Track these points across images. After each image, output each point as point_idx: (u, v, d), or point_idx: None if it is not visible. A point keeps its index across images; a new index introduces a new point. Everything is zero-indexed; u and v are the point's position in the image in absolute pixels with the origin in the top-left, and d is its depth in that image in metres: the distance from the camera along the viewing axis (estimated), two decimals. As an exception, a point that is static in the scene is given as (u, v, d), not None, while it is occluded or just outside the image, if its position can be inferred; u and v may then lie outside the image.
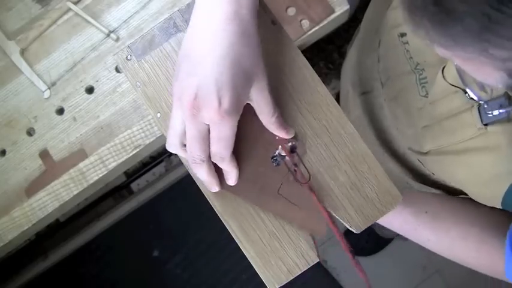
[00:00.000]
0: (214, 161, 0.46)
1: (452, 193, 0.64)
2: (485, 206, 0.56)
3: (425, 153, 0.61)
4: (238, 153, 0.50)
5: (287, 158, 0.48)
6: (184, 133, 0.45)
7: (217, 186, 0.49)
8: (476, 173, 0.53)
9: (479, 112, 0.48)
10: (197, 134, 0.43)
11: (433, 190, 0.67)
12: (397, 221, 0.57)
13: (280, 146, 0.45)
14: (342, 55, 1.29)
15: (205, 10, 0.43)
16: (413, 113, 0.62)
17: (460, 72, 0.49)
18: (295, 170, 0.48)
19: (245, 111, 0.45)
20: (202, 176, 0.47)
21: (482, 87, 0.46)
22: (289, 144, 0.48)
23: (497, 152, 0.49)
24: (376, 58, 0.71)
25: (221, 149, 0.44)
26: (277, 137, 0.42)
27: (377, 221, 0.55)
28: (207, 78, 0.41)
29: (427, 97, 0.58)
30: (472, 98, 0.49)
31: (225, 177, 0.49)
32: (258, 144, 0.50)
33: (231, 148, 0.45)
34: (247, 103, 0.46)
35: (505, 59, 0.26)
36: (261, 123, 0.48)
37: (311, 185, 0.49)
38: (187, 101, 0.42)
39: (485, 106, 0.46)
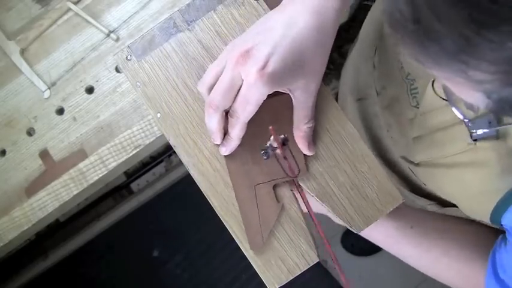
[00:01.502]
0: (229, 120, 0.47)
1: (444, 204, 0.63)
2: (471, 222, 0.56)
3: (417, 164, 0.61)
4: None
5: (278, 150, 0.48)
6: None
7: (220, 140, 0.49)
8: (466, 188, 0.52)
9: (469, 128, 0.48)
10: (228, 82, 0.44)
11: (423, 200, 0.67)
12: (380, 234, 0.57)
13: (272, 137, 0.45)
14: (342, 55, 1.29)
15: None
16: (405, 123, 0.62)
17: (446, 89, 0.48)
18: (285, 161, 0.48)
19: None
20: (212, 124, 0.48)
21: (470, 105, 0.46)
22: (282, 136, 0.48)
23: (486, 168, 0.49)
24: (372, 66, 0.71)
25: (242, 109, 0.45)
26: (270, 127, 0.42)
27: (362, 235, 0.56)
28: (268, 41, 0.43)
29: (418, 107, 0.58)
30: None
31: (220, 145, 0.49)
32: (254, 135, 0.50)
33: (250, 114, 0.45)
34: (287, 94, 0.47)
35: (482, 80, 0.26)
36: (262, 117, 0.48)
37: (298, 182, 0.49)
38: (240, 50, 0.43)
39: (470, 125, 0.46)
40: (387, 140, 0.70)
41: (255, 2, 0.55)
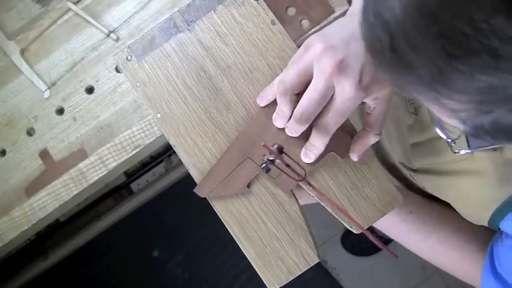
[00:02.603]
0: (316, 131, 0.46)
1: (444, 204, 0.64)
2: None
3: (415, 170, 0.61)
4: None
5: (277, 160, 0.47)
6: (304, 83, 0.44)
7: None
8: (463, 195, 0.53)
9: (466, 137, 0.48)
10: (323, 92, 0.43)
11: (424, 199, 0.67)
12: (383, 220, 0.57)
13: (267, 152, 0.45)
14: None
15: None
16: (403, 129, 0.62)
17: (429, 110, 0.49)
18: (287, 168, 0.48)
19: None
20: (296, 133, 0.47)
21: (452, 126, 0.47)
22: (275, 146, 0.48)
23: (483, 177, 0.49)
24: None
25: (334, 122, 0.44)
26: (262, 143, 0.42)
27: None
28: (360, 54, 0.42)
29: (416, 114, 0.58)
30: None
31: (303, 154, 0.49)
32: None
33: (340, 125, 0.45)
34: None
35: (454, 109, 0.27)
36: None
37: (309, 181, 0.49)
38: (334, 62, 0.42)
39: (453, 145, 0.46)
40: (386, 144, 0.70)
41: (255, 2, 0.55)
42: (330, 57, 0.42)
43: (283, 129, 0.49)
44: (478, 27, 0.22)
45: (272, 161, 0.47)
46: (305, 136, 0.48)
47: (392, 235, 0.59)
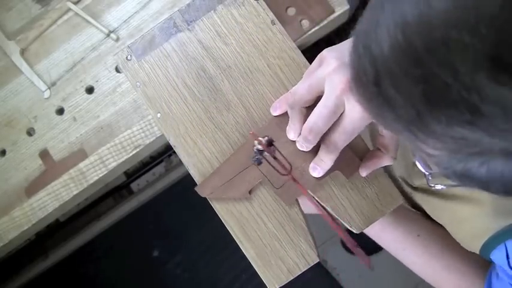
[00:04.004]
0: (324, 147, 0.46)
1: None
2: None
3: (414, 188, 0.61)
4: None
5: (266, 152, 0.47)
6: (315, 96, 0.44)
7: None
8: (458, 220, 0.53)
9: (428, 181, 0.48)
10: (333, 110, 0.43)
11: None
12: (389, 238, 0.57)
13: (256, 141, 0.45)
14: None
15: None
16: (406, 146, 0.62)
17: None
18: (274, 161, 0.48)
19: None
20: (307, 147, 0.47)
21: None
22: (265, 138, 0.48)
23: (480, 205, 0.49)
24: None
25: (342, 141, 0.44)
26: (250, 132, 0.42)
27: (369, 235, 0.56)
28: None
29: None
30: None
31: (312, 168, 0.49)
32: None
33: (348, 143, 0.45)
34: None
35: (428, 153, 0.27)
36: None
37: (294, 176, 0.49)
38: (346, 79, 0.42)
39: (429, 178, 0.46)
40: None
41: (255, 2, 0.55)
42: (343, 75, 0.42)
43: (293, 141, 0.49)
44: (461, 80, 0.22)
45: (261, 152, 0.47)
46: (313, 150, 0.48)
47: (396, 255, 0.59)
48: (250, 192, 0.51)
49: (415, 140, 0.27)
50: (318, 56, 0.45)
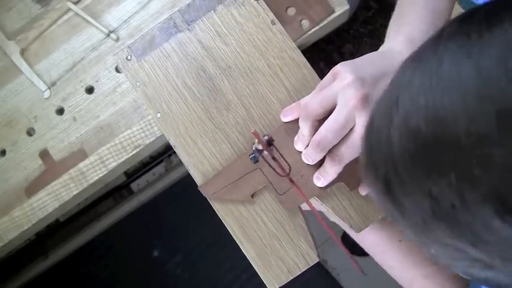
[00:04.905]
0: (330, 159, 0.46)
1: None
2: None
3: None
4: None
5: (265, 152, 0.47)
6: (327, 110, 0.44)
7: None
8: None
9: None
10: (343, 123, 0.43)
11: None
12: (369, 241, 0.57)
13: (256, 140, 0.45)
14: (342, 55, 1.29)
15: (409, 39, 0.46)
16: None
17: None
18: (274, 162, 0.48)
19: None
20: (313, 160, 0.47)
21: None
22: (265, 137, 0.48)
23: None
24: None
25: (349, 154, 0.44)
26: (252, 130, 0.42)
27: (352, 236, 0.56)
28: None
29: None
30: None
31: (317, 174, 0.49)
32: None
33: (353, 158, 0.45)
34: None
35: (433, 254, 0.28)
36: None
37: (291, 178, 0.49)
38: (359, 94, 0.42)
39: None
40: None
41: (255, 2, 0.55)
42: (356, 90, 0.42)
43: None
44: (467, 206, 0.23)
45: (260, 151, 0.47)
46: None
47: (376, 257, 0.59)
48: (252, 196, 0.51)
49: (418, 240, 0.28)
50: (332, 70, 0.45)
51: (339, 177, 0.48)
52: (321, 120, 0.45)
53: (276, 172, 0.47)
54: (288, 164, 0.48)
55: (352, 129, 0.44)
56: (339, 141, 0.45)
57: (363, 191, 0.49)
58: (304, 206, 0.53)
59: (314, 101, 0.45)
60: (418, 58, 0.27)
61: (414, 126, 0.24)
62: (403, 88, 0.27)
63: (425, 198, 0.24)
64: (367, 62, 0.45)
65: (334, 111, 0.44)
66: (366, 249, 0.59)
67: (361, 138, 0.30)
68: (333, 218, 0.57)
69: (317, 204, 0.51)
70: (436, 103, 0.24)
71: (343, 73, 0.44)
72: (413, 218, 0.26)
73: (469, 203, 0.23)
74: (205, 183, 0.51)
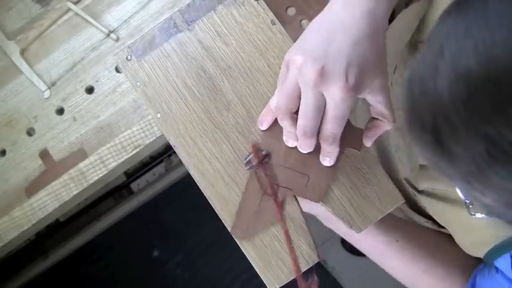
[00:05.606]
0: (324, 140, 0.46)
1: (440, 225, 0.64)
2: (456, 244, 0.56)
3: (420, 191, 0.61)
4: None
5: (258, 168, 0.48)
6: (297, 100, 0.45)
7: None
8: (465, 226, 0.53)
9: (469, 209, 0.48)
10: (314, 105, 0.43)
11: (421, 217, 0.66)
12: (368, 244, 0.57)
13: (252, 154, 0.45)
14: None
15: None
16: (414, 150, 0.61)
17: None
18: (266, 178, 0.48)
19: None
20: (308, 147, 0.47)
21: None
22: (263, 153, 0.48)
23: None
24: (389, 83, 0.70)
25: (336, 128, 0.44)
26: (252, 144, 0.42)
27: (350, 241, 0.56)
28: (340, 53, 0.42)
29: None
30: None
31: (322, 156, 0.49)
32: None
33: (342, 127, 0.45)
34: None
35: (484, 202, 0.27)
36: None
37: (276, 199, 0.49)
38: (315, 70, 0.42)
39: (470, 206, 0.46)
40: (395, 159, 0.70)
41: (255, 2, 0.55)
42: (310, 68, 0.42)
43: (292, 149, 0.50)
44: None
45: (252, 166, 0.47)
46: (317, 156, 0.49)
47: (376, 260, 0.59)
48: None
49: (471, 190, 0.27)
50: (283, 62, 0.45)
51: (342, 147, 0.48)
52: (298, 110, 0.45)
53: (264, 191, 0.47)
54: (277, 185, 0.48)
55: (326, 104, 0.43)
56: (322, 120, 0.45)
57: (368, 142, 0.49)
58: (307, 209, 0.53)
59: (281, 99, 0.45)
60: (457, 5, 0.26)
61: (464, 69, 0.24)
62: (445, 36, 0.26)
63: (480, 142, 0.24)
64: (311, 33, 0.45)
65: (301, 97, 0.44)
66: (366, 254, 0.59)
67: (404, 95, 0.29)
68: (328, 223, 0.57)
69: (314, 206, 0.51)
70: (486, 42, 0.23)
71: (293, 59, 0.44)
72: (467, 165, 0.25)
73: None
74: (234, 227, 0.50)
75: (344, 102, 0.42)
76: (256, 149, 0.42)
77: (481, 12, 0.24)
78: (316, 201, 0.50)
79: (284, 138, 0.49)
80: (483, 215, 0.44)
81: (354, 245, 0.58)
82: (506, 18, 0.23)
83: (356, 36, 0.42)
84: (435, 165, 0.28)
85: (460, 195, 0.43)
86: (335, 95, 0.42)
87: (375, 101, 0.46)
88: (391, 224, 0.58)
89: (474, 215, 0.45)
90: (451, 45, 0.25)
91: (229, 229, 0.51)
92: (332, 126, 0.44)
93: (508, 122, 0.22)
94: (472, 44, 0.24)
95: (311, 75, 0.42)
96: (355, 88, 0.42)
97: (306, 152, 0.49)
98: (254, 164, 0.46)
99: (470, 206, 0.45)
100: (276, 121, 0.50)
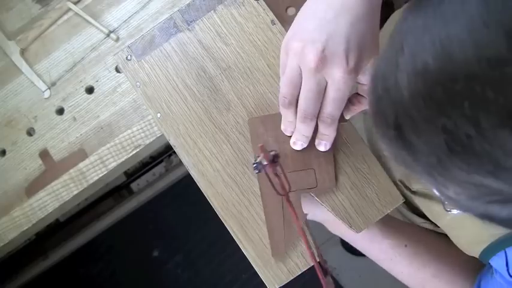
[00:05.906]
0: (322, 122, 0.46)
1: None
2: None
3: (413, 192, 0.61)
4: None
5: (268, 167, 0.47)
6: (299, 85, 0.45)
7: (308, 142, 0.49)
8: (460, 226, 0.53)
9: (444, 205, 0.48)
10: (315, 89, 0.43)
11: (419, 218, 0.67)
12: (375, 250, 0.57)
13: (262, 154, 0.45)
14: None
15: None
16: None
17: None
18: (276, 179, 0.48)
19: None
20: (307, 133, 0.48)
21: None
22: (272, 153, 0.48)
23: None
24: None
25: (335, 110, 0.45)
26: (259, 145, 0.42)
27: (356, 247, 0.56)
28: (338, 36, 0.42)
29: None
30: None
31: (318, 140, 0.49)
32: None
33: (341, 110, 0.45)
34: None
35: (448, 195, 0.28)
36: None
37: (288, 198, 0.49)
38: (314, 55, 0.42)
39: (446, 202, 0.46)
40: (388, 160, 0.70)
41: (255, 2, 0.55)
42: (310, 52, 0.42)
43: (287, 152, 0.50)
44: (483, 134, 0.22)
45: (264, 166, 0.47)
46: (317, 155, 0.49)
47: (384, 265, 0.59)
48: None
49: (435, 183, 0.27)
50: (281, 50, 0.45)
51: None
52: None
53: (275, 190, 0.46)
54: (289, 184, 0.48)
55: (327, 86, 0.44)
56: (322, 103, 0.45)
57: (348, 115, 0.50)
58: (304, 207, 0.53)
59: (285, 87, 0.45)
60: (417, 2, 0.27)
61: (421, 64, 0.24)
62: (406, 33, 0.26)
63: (439, 135, 0.24)
64: (306, 17, 0.45)
65: (302, 81, 0.44)
66: (374, 259, 0.59)
67: (367, 89, 0.30)
68: (334, 230, 0.57)
69: (320, 212, 0.51)
70: (442, 36, 0.24)
71: (291, 45, 0.44)
72: (428, 158, 0.26)
73: (484, 129, 0.22)
74: (273, 249, 0.50)
75: (345, 84, 0.43)
76: (264, 149, 0.42)
77: (438, 9, 0.25)
78: (332, 187, 0.50)
79: (282, 127, 0.49)
80: (458, 211, 0.44)
81: (360, 250, 0.58)
82: (460, 13, 0.23)
83: (353, 16, 0.42)
84: (401, 160, 0.29)
85: (436, 192, 0.44)
86: (336, 78, 0.42)
87: (366, 80, 0.46)
88: (398, 228, 0.58)
89: (450, 211, 0.45)
90: (410, 42, 0.26)
91: (229, 229, 0.51)
92: (332, 108, 0.45)
93: (464, 115, 0.23)
94: (429, 40, 0.24)
95: (312, 60, 0.42)
96: (356, 69, 0.42)
97: (300, 146, 0.49)
98: (265, 164, 0.46)
99: (446, 202, 0.45)
100: (265, 130, 0.50)
